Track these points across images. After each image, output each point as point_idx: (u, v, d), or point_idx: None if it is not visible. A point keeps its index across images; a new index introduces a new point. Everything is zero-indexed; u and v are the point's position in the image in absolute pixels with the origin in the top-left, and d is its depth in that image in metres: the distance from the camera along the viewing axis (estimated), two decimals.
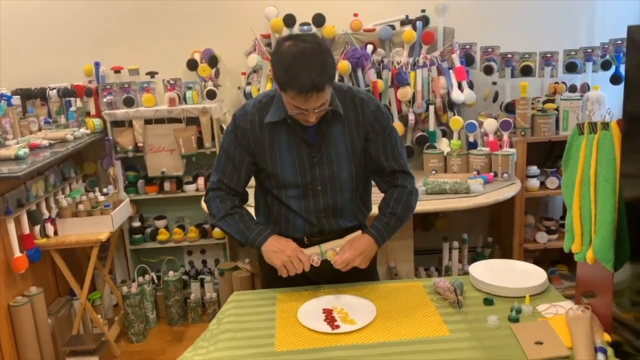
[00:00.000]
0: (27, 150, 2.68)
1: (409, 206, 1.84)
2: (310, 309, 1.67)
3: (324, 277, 1.84)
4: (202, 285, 3.46)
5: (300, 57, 1.55)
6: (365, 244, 1.77)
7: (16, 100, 3.26)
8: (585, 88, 3.25)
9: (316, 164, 1.77)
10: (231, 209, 1.81)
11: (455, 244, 3.29)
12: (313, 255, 1.75)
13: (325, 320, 1.60)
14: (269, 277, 1.88)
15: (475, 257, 3.45)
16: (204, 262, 3.67)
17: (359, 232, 1.82)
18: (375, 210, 1.91)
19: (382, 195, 1.89)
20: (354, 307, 1.68)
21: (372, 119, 1.78)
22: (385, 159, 1.81)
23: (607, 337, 1.42)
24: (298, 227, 1.84)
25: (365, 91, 1.87)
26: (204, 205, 2.95)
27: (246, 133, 1.77)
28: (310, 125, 1.70)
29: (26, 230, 2.70)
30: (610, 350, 1.36)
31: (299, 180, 1.78)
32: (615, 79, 3.27)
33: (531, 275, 1.77)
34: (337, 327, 1.56)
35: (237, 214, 1.81)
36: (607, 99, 3.06)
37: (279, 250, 1.73)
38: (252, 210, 1.92)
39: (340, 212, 1.85)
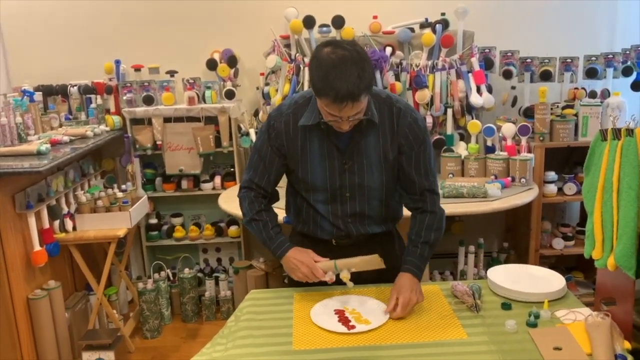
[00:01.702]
0: (48, 145, 2.71)
1: (440, 232, 1.81)
2: (322, 311, 1.67)
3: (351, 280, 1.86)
4: (216, 283, 3.48)
5: (338, 64, 1.53)
6: (409, 281, 1.71)
7: (38, 96, 3.29)
8: (606, 94, 3.22)
9: (346, 171, 1.76)
10: (257, 214, 1.81)
11: (471, 248, 3.28)
12: (329, 272, 1.72)
13: (339, 321, 1.60)
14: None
15: (490, 262, 3.43)
16: (219, 260, 3.69)
17: (376, 255, 1.72)
18: (406, 213, 1.91)
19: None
20: (366, 307, 1.68)
21: (407, 131, 1.74)
22: (417, 174, 1.78)
23: (627, 345, 1.41)
24: (326, 229, 1.85)
25: (406, 102, 1.83)
26: (220, 203, 3.02)
27: (280, 133, 1.76)
28: (343, 132, 1.69)
29: (46, 225, 2.73)
30: (630, 358, 1.35)
31: (328, 185, 1.77)
32: (636, 86, 3.24)
33: (549, 280, 1.76)
34: (353, 327, 1.56)
35: (261, 220, 1.81)
36: (627, 105, 3.03)
37: (295, 267, 1.74)
38: (281, 212, 1.93)
39: (368, 219, 1.84)
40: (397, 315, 1.62)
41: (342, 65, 1.53)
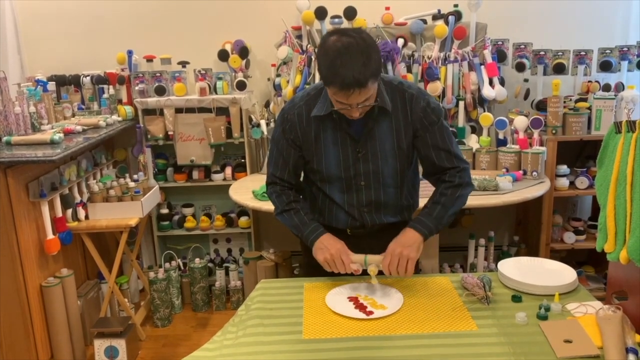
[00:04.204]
0: (61, 135, 2.73)
1: (455, 195, 1.77)
2: (336, 299, 1.68)
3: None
4: (227, 274, 3.51)
5: (344, 52, 1.53)
6: (404, 237, 1.70)
7: (51, 86, 3.32)
8: (620, 87, 3.19)
9: (360, 160, 1.76)
10: (287, 205, 1.84)
11: (482, 241, 3.27)
12: (357, 263, 1.72)
13: (355, 307, 1.61)
14: (312, 265, 1.89)
15: (501, 255, 3.43)
16: (229, 251, 3.72)
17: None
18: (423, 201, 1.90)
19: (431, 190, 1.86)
20: (379, 293, 1.69)
21: (421, 115, 1.74)
22: (435, 154, 1.77)
23: (639, 338, 1.40)
24: (341, 219, 1.85)
25: (418, 86, 1.81)
26: (231, 194, 3.04)
27: (294, 126, 1.77)
28: (355, 119, 1.69)
29: (59, 214, 2.76)
30: None
31: (343, 174, 1.78)
32: None
33: (560, 273, 1.76)
34: (371, 312, 1.57)
35: (292, 209, 1.84)
36: None
37: (324, 248, 1.74)
38: None
39: (383, 208, 1.84)
40: (385, 268, 1.66)
41: (347, 52, 1.53)
